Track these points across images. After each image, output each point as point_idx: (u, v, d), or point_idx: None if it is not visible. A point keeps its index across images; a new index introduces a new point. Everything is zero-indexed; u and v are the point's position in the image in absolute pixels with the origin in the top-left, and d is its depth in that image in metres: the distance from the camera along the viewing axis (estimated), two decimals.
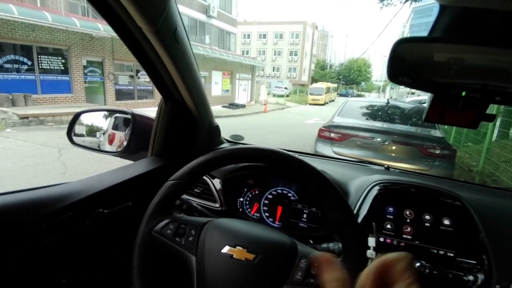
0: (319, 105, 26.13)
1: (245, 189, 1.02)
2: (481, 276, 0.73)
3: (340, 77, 55.60)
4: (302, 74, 47.74)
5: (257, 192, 1.01)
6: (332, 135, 3.98)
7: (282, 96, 31.20)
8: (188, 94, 0.92)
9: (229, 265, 0.56)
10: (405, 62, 0.56)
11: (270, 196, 0.99)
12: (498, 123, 5.84)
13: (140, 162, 0.97)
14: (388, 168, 1.17)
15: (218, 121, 1.17)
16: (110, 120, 1.25)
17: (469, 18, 0.54)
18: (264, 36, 46.84)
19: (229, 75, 19.90)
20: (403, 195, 0.86)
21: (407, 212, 0.82)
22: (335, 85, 43.43)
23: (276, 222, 0.98)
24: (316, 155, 1.36)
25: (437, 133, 3.93)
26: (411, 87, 0.58)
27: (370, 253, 0.74)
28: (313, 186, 0.61)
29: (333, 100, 32.12)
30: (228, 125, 10.06)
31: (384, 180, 0.91)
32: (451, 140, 7.50)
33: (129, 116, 1.10)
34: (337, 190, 0.60)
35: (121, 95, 12.98)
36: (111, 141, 1.23)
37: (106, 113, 1.29)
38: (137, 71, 13.20)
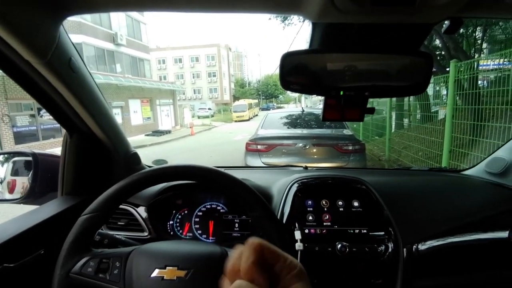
0: (244, 121, 26.85)
1: (174, 211, 1.00)
2: (390, 245, 0.85)
3: (260, 92, 58.41)
4: (224, 94, 48.68)
5: (186, 211, 1.00)
6: (259, 147, 4.16)
7: (207, 116, 31.23)
8: (95, 123, 0.87)
9: (161, 287, 0.55)
10: (292, 72, 0.64)
11: (200, 213, 1.00)
12: (394, 116, 6.91)
13: (49, 204, 0.87)
14: (306, 167, 1.29)
15: (143, 150, 1.14)
16: (8, 166, 1.10)
17: (334, 31, 0.66)
18: (180, 60, 46.62)
19: (149, 102, 19.11)
20: (318, 188, 0.96)
21: (323, 202, 0.92)
22: (256, 100, 45.36)
23: (210, 238, 0.98)
24: (245, 167, 1.41)
25: (348, 131, 4.45)
26: (302, 92, 0.67)
27: (298, 245, 0.80)
28: (232, 193, 0.65)
29: (257, 115, 33.34)
30: (155, 153, 9.57)
31: (301, 177, 1.01)
32: (360, 136, 8.52)
33: (29, 158, 0.99)
34: (253, 191, 0.64)
35: (21, 138, 11.27)
36: (11, 190, 1.08)
37: (1, 158, 1.14)
38: (39, 109, 11.70)
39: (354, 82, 0.68)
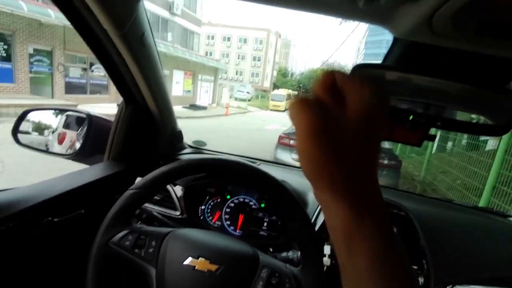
0: (279, 111, 26.72)
1: (207, 197, 1.01)
2: (421, 280, 0.80)
3: (301, 85, 57.45)
4: (265, 80, 48.51)
5: (219, 200, 1.01)
6: (292, 142, 4.11)
7: (244, 100, 31.40)
8: (151, 97, 0.90)
9: (191, 276, 0.56)
10: None
11: (232, 205, 1.00)
12: (437, 137, 6.51)
13: (96, 167, 0.92)
14: None
15: (178, 121, 1.15)
16: (61, 118, 1.17)
17: (418, 50, 0.61)
18: (229, 39, 46.77)
19: (191, 75, 19.53)
20: None
21: None
22: (296, 92, 44.73)
23: (237, 231, 0.99)
24: (277, 162, 1.40)
25: (385, 144, 4.26)
26: None
27: (326, 260, 0.78)
28: (276, 198, 0.64)
29: None
30: (188, 127, 9.81)
31: None
32: (397, 151, 8.15)
33: (83, 115, 1.04)
34: (297, 202, 0.63)
35: (71, 88, 12.03)
36: (61, 141, 1.15)
37: (57, 110, 1.21)
38: (91, 64, 12.36)
39: (427, 108, 0.63)
